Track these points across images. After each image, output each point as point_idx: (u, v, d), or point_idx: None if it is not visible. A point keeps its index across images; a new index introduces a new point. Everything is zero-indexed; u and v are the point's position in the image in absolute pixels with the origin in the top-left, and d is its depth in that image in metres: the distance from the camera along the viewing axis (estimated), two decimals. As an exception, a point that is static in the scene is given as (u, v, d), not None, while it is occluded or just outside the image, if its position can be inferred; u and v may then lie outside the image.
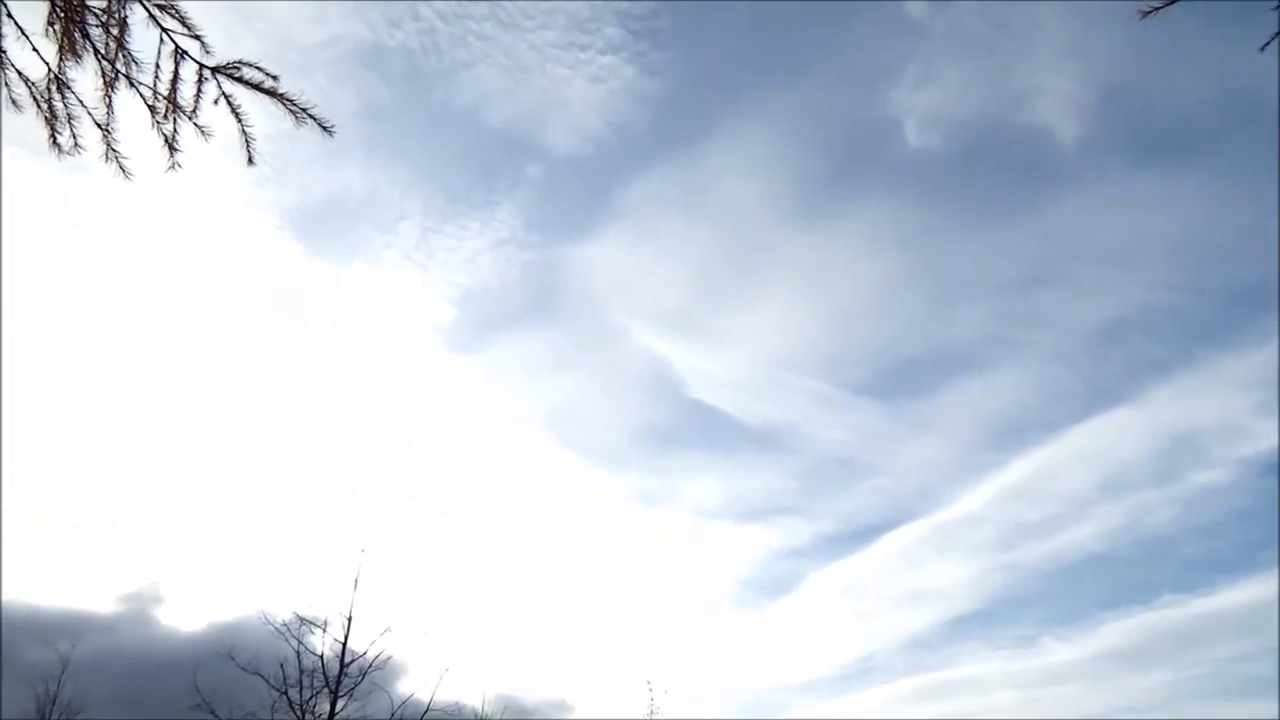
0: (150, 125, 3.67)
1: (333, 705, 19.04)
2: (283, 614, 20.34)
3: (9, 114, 3.65)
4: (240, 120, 4.26)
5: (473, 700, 27.02)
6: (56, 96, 3.36)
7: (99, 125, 3.45)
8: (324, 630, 19.58)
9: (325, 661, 19.39)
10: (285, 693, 19.05)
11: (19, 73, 3.31)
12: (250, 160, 4.39)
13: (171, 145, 3.66)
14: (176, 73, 3.98)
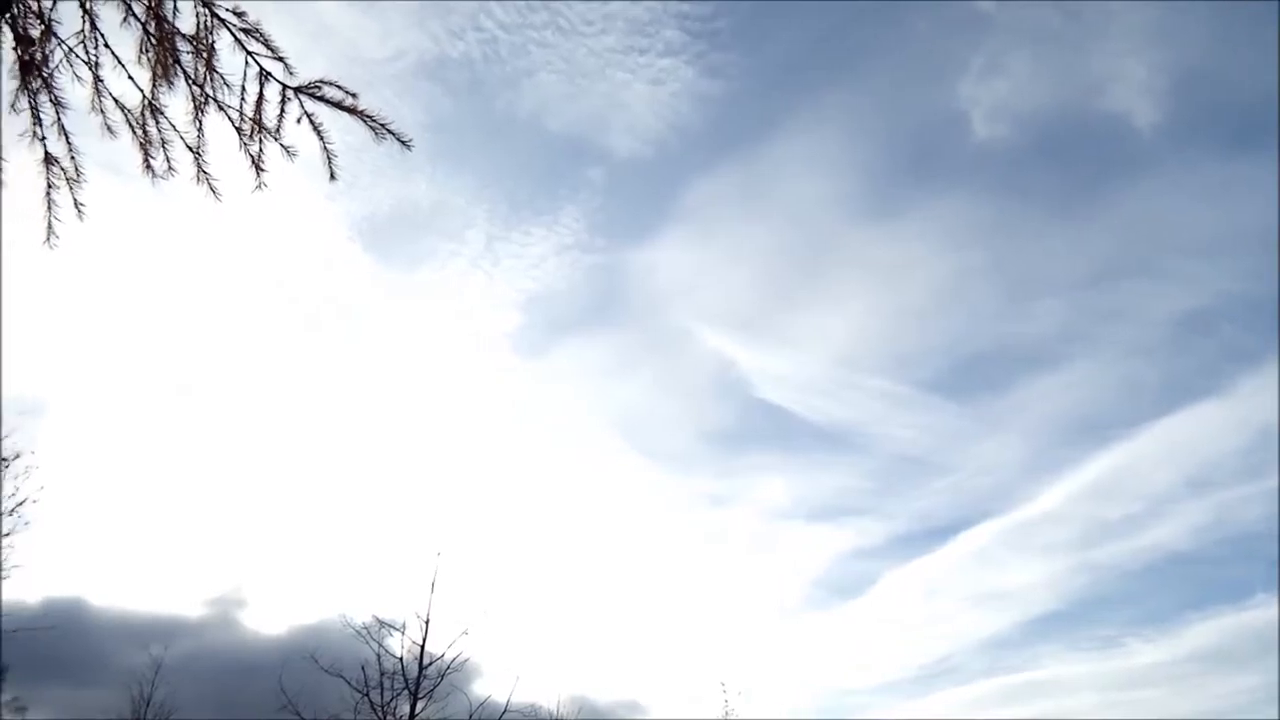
0: (238, 146, 3.77)
1: (413, 706, 19.32)
2: (362, 617, 20.75)
3: (104, 140, 3.78)
4: (322, 138, 4.33)
5: (547, 701, 27.16)
6: (150, 122, 3.45)
7: (190, 148, 3.55)
8: (403, 633, 19.87)
9: (404, 664, 19.69)
10: (367, 694, 19.37)
11: (116, 100, 3.41)
12: (332, 176, 4.47)
13: (258, 165, 3.74)
14: (261, 94, 4.07)
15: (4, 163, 3.10)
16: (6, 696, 47.43)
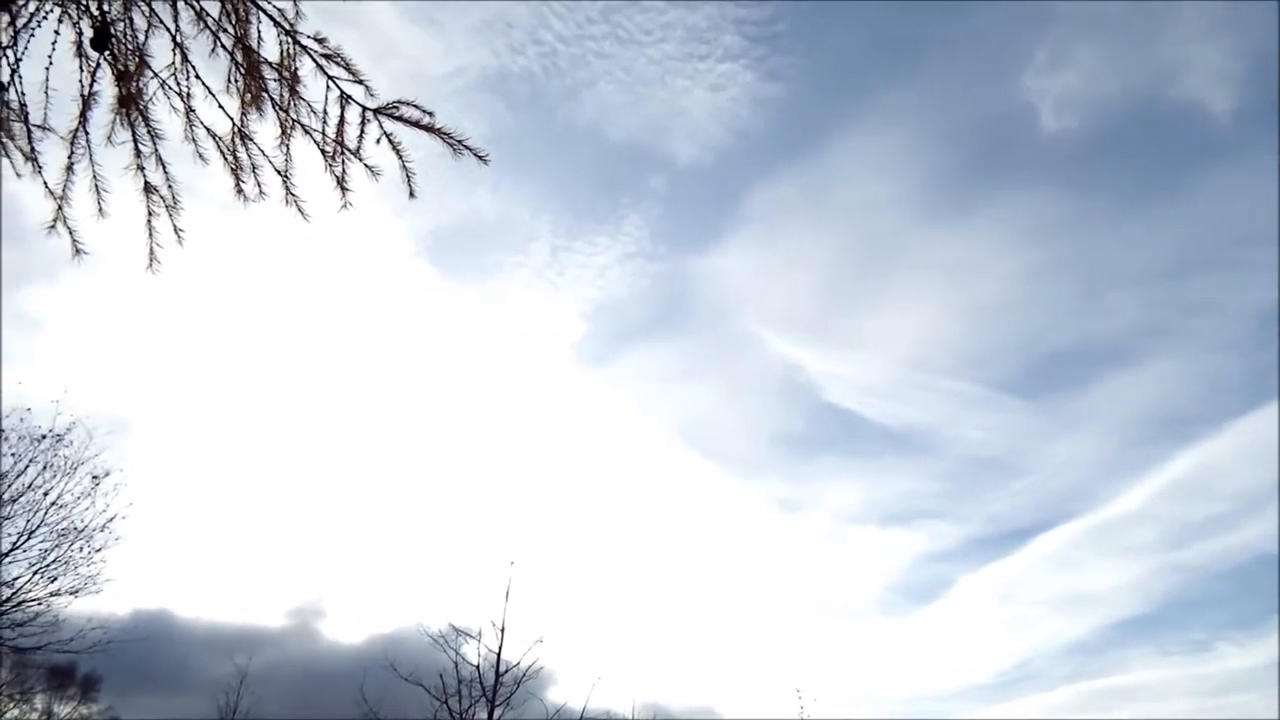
0: (323, 168, 3.88)
1: (490, 713, 19.56)
2: (438, 626, 21.11)
3: (197, 166, 3.92)
4: (401, 157, 4.44)
5: (621, 707, 27.28)
6: (240, 148, 3.57)
7: (279, 172, 3.65)
8: (479, 640, 20.17)
9: (481, 671, 19.96)
10: (445, 701, 19.68)
11: (207, 129, 3.53)
12: (411, 194, 4.57)
13: (343, 186, 3.83)
14: (343, 117, 4.18)
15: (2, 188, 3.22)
16: (100, 706, 48.78)
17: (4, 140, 3.59)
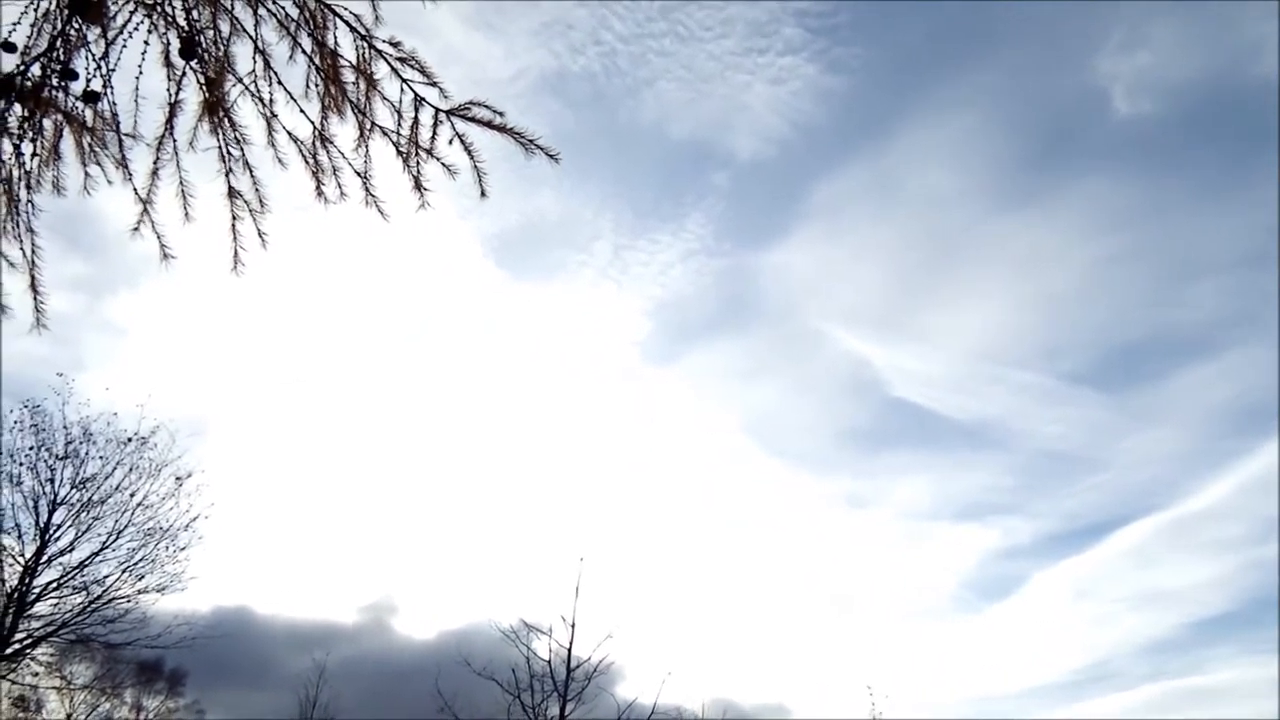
0: (400, 169, 3.94)
1: (562, 709, 19.71)
2: (508, 621, 21.35)
3: (276, 170, 4.00)
4: (473, 157, 4.48)
5: (691, 704, 27.25)
6: (321, 151, 3.63)
7: (358, 174, 3.71)
8: (549, 636, 20.35)
9: (552, 666, 20.13)
10: (518, 696, 19.90)
11: (289, 133, 3.60)
12: (483, 194, 4.61)
13: (420, 186, 3.88)
14: (417, 118, 4.24)
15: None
16: (187, 699, 50.28)
17: (95, 148, 3.71)
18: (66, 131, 3.66)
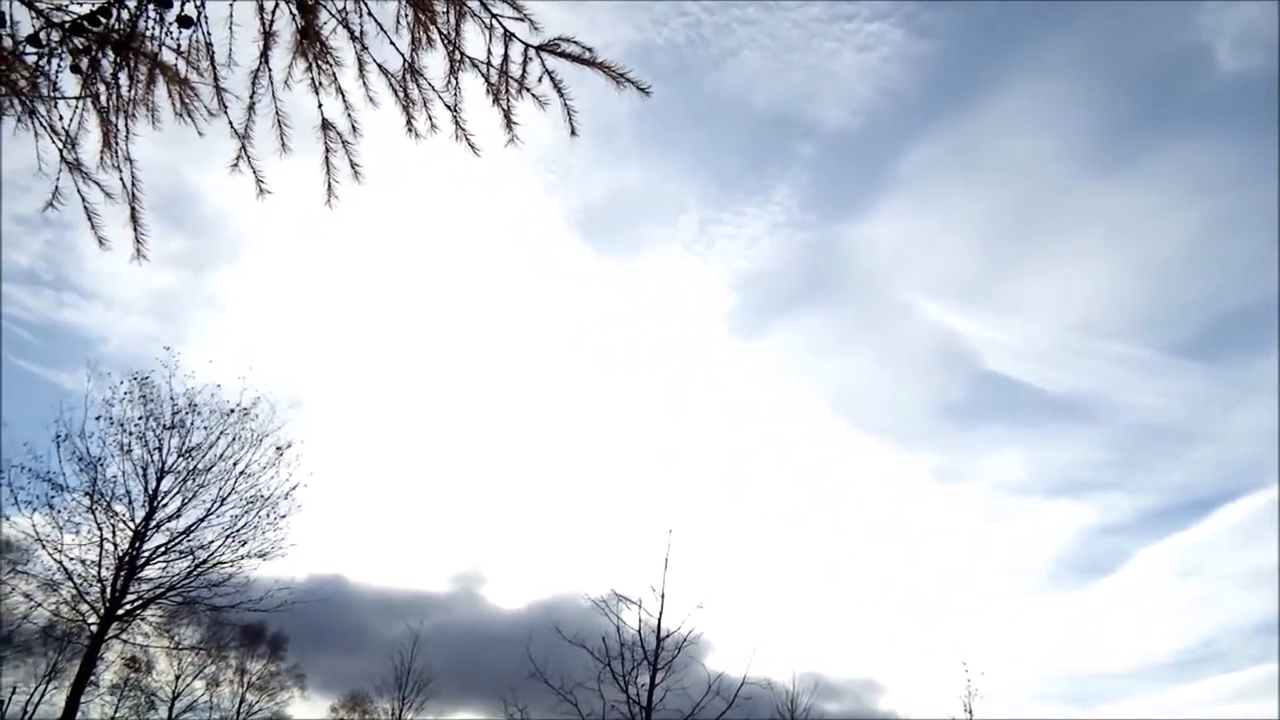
0: (490, 104, 3.87)
1: (652, 677, 19.80)
2: (596, 592, 21.51)
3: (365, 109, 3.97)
4: (563, 94, 4.39)
5: (781, 677, 27.15)
6: (411, 85, 3.57)
7: (448, 107, 3.65)
8: (639, 607, 20.44)
9: (642, 636, 20.23)
10: (609, 664, 20.06)
11: (380, 66, 3.55)
12: (573, 132, 4.51)
13: (510, 121, 3.80)
14: (506, 53, 4.17)
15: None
16: (288, 664, 52.12)
17: (187, 98, 3.72)
18: (160, 79, 3.69)
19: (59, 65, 3.59)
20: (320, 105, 3.45)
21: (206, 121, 3.52)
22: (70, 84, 3.63)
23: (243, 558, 24.96)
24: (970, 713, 25.37)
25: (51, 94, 3.54)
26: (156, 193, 3.52)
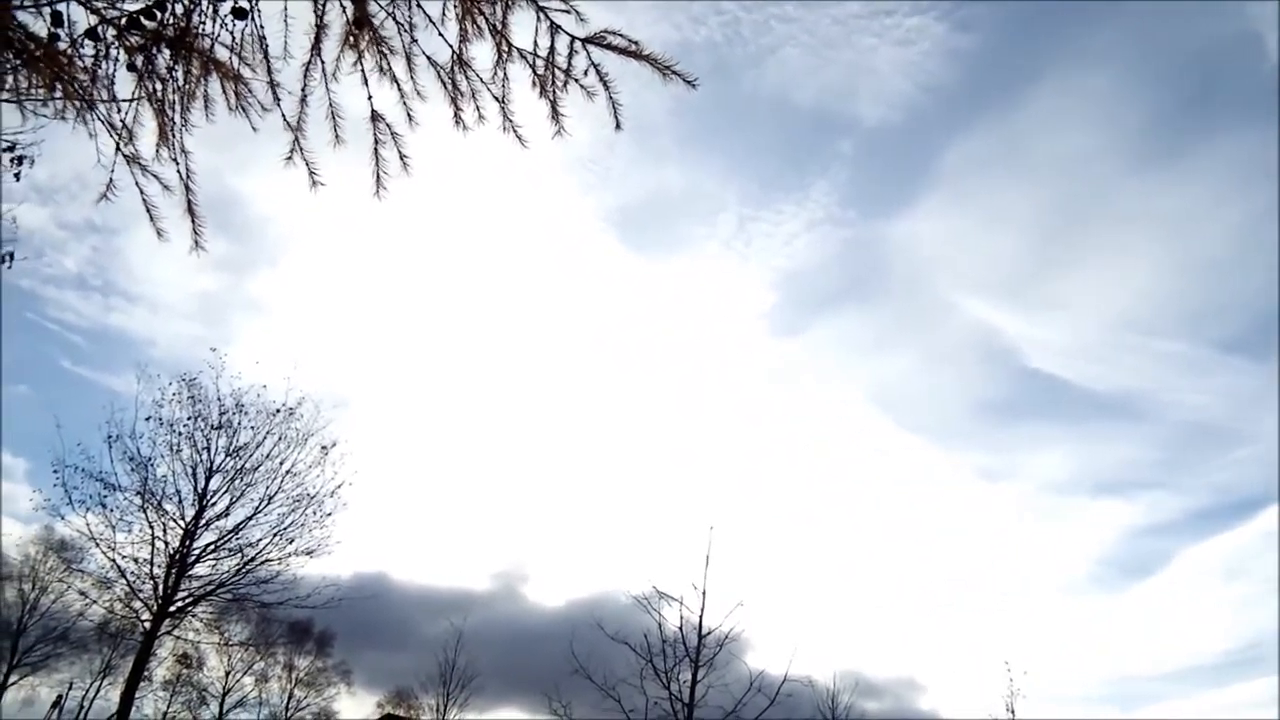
0: (536, 96, 3.86)
1: (694, 674, 19.76)
2: (637, 590, 21.52)
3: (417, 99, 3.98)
4: (608, 87, 4.38)
5: (821, 675, 26.96)
6: (460, 76, 3.58)
7: (496, 98, 3.65)
8: (680, 604, 20.41)
9: (684, 633, 20.20)
10: (650, 661, 20.06)
11: (428, 58, 3.57)
12: (618, 126, 4.50)
13: (557, 112, 3.79)
14: (553, 45, 4.16)
15: None
16: (334, 660, 52.72)
17: (240, 94, 3.77)
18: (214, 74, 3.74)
19: (115, 63, 3.66)
20: (370, 97, 3.48)
21: (260, 116, 3.56)
22: (126, 80, 3.70)
23: (290, 555, 25.31)
24: (1013, 713, 25.03)
25: (108, 91, 3.60)
26: (201, 196, 3.56)
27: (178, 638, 28.73)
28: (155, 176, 3.32)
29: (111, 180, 3.37)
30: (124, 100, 3.56)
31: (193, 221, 3.37)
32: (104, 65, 3.72)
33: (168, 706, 46.84)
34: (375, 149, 3.49)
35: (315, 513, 25.52)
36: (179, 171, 3.34)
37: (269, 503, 25.37)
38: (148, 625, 24.37)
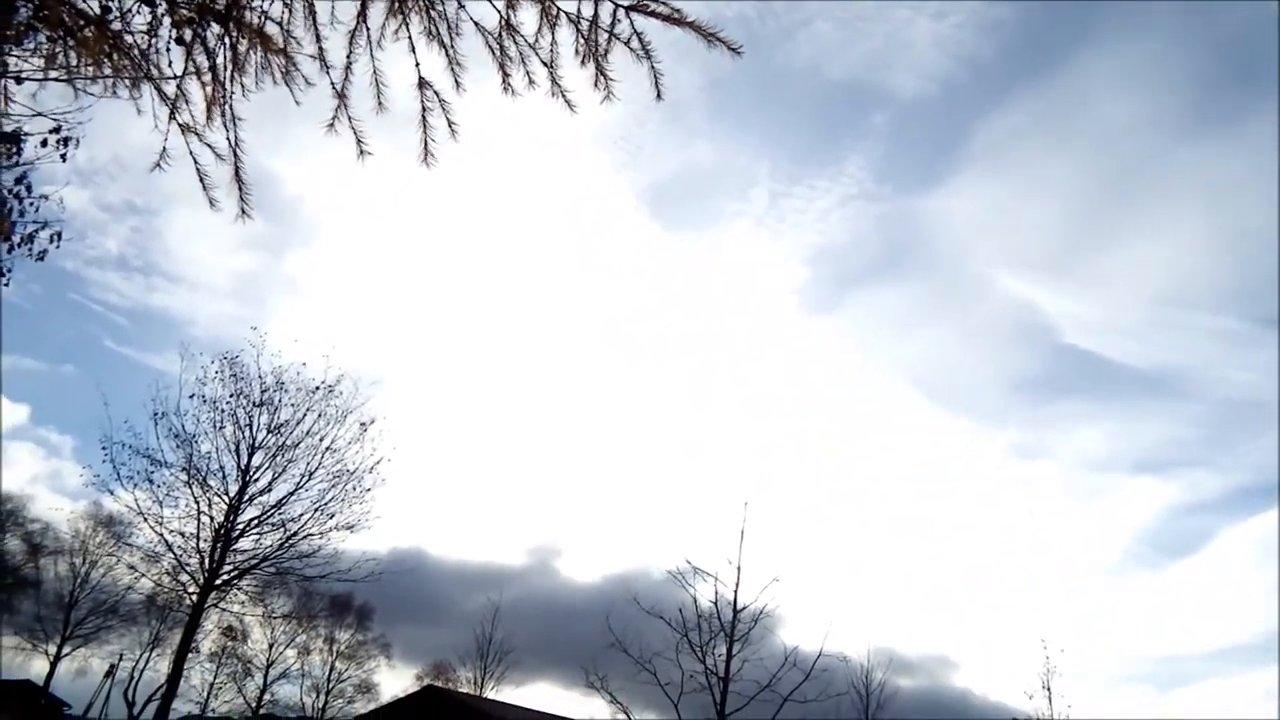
0: (581, 63, 3.84)
1: (729, 648, 19.86)
2: (670, 566, 21.62)
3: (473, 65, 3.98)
4: (650, 56, 4.35)
5: (855, 652, 26.95)
6: (509, 41, 3.57)
7: (544, 63, 3.64)
8: (715, 580, 20.47)
9: (719, 608, 20.28)
10: (686, 635, 20.17)
11: (476, 24, 3.56)
12: (659, 96, 4.47)
13: (605, 77, 3.77)
14: (596, 13, 4.14)
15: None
16: (374, 633, 53.47)
17: (286, 69, 3.78)
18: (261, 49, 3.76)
19: (166, 37, 3.70)
20: (418, 64, 3.47)
21: (303, 90, 3.57)
22: (176, 55, 3.74)
23: (330, 530, 25.69)
24: (1049, 691, 24.93)
25: (157, 66, 3.64)
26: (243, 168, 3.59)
27: (223, 610, 29.33)
28: (209, 145, 3.35)
29: (165, 150, 3.40)
30: (173, 77, 3.59)
31: (240, 189, 3.39)
32: (154, 39, 3.75)
33: (214, 678, 47.93)
34: (423, 116, 3.49)
35: (355, 488, 25.86)
36: (229, 139, 3.37)
37: (310, 478, 25.75)
38: (194, 598, 24.89)
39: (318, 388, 26.11)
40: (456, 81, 3.43)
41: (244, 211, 3.39)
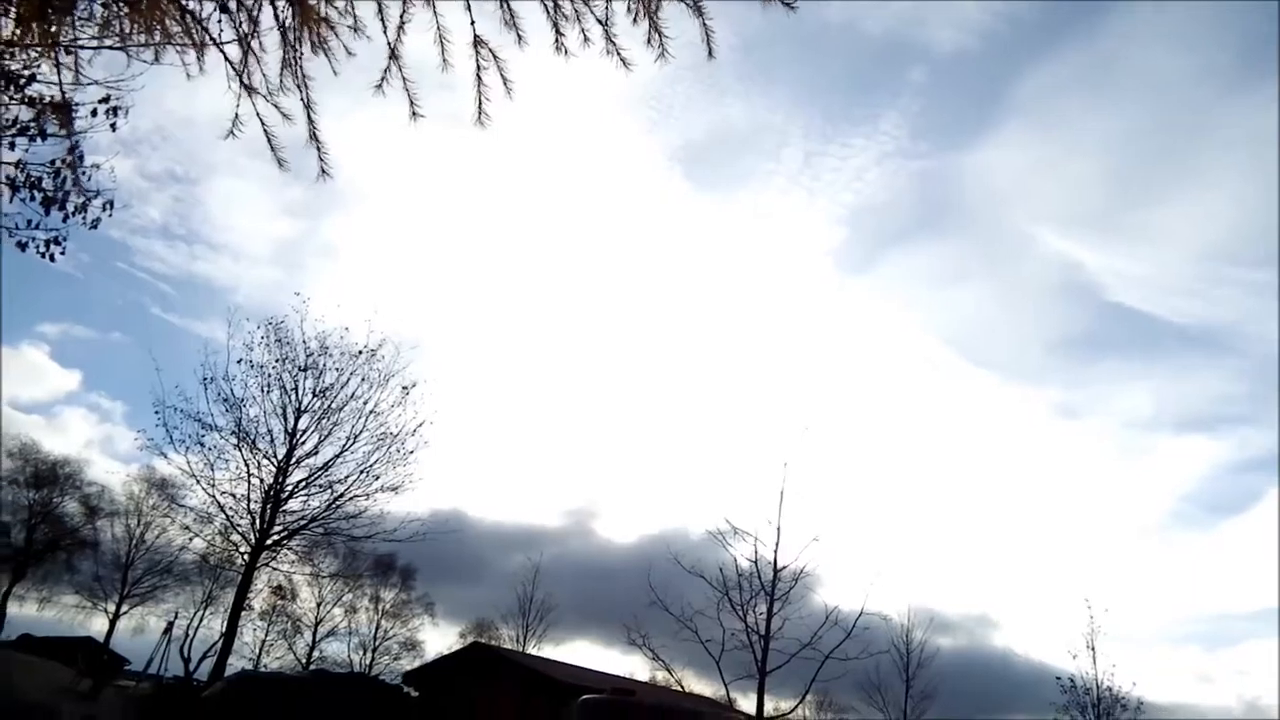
0: (632, 20, 3.83)
1: (770, 607, 20.02)
2: (707, 526, 21.75)
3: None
4: (702, 14, 4.32)
5: (895, 611, 26.98)
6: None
7: (599, 21, 3.63)
8: (755, 539, 20.59)
9: (759, 567, 20.42)
10: (726, 594, 20.36)
11: (531, -19, 3.56)
12: (710, 54, 4.44)
13: (660, 34, 3.75)
14: (647, -35, 4.11)
15: None
16: (418, 593, 54.30)
17: (326, 40, 3.81)
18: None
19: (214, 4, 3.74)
20: (473, 22, 3.48)
21: (340, 61, 3.59)
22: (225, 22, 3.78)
23: (375, 492, 26.16)
24: (1094, 650, 24.82)
25: (209, 31, 3.69)
26: (282, 137, 3.61)
27: (273, 569, 30.05)
28: (276, 107, 3.40)
29: (237, 115, 3.45)
30: (237, 39, 3.64)
31: (318, 149, 3.44)
32: (204, 3, 3.80)
33: (265, 635, 49.21)
34: (478, 74, 3.50)
35: (398, 450, 26.28)
36: (303, 99, 3.41)
37: (354, 441, 26.20)
38: (246, 558, 25.53)
39: (360, 352, 26.49)
40: (519, 36, 3.43)
41: (324, 171, 3.44)
